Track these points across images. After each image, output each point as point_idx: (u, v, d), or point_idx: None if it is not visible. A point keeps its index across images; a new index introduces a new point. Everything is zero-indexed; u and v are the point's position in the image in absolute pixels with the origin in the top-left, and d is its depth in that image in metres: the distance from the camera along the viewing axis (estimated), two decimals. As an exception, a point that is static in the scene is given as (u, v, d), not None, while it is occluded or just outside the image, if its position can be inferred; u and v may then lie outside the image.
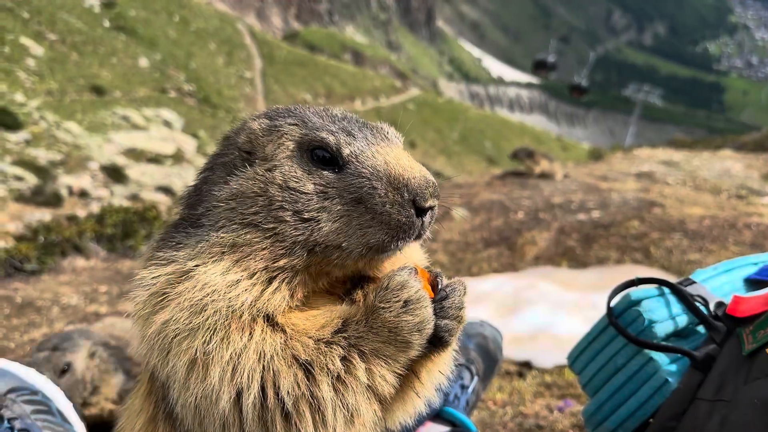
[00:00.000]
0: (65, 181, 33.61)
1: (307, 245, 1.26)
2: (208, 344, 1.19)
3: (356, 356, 1.21)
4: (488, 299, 6.62)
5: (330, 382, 1.19)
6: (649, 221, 8.11)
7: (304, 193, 1.27)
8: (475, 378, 2.44)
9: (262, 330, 1.22)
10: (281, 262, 1.26)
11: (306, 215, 1.26)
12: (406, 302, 1.21)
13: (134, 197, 31.51)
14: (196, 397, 1.20)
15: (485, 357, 2.57)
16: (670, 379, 1.61)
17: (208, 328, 1.20)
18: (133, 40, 68.54)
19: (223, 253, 1.26)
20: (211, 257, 1.26)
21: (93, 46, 61.14)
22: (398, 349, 1.22)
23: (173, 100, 60.56)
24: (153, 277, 1.29)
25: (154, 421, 1.42)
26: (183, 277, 1.25)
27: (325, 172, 1.29)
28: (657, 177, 12.15)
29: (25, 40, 53.16)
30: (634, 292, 1.75)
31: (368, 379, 1.21)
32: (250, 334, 1.21)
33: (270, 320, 1.25)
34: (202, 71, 72.17)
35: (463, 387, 2.36)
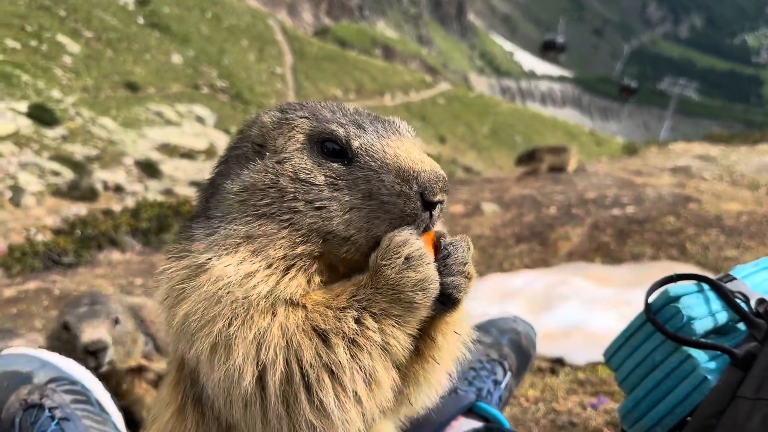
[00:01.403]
0: (100, 176, 34.23)
1: (321, 233, 1.27)
2: (229, 327, 1.21)
3: (368, 317, 1.21)
4: (520, 295, 6.57)
5: (345, 346, 1.19)
6: (685, 217, 7.97)
7: (315, 184, 1.29)
8: (508, 374, 2.43)
9: (284, 309, 1.24)
10: (299, 249, 1.28)
11: (317, 204, 1.27)
12: (407, 258, 1.20)
13: (168, 192, 32.01)
14: (220, 378, 1.22)
15: (518, 353, 2.55)
16: (709, 377, 1.58)
17: (228, 315, 1.22)
18: (166, 36, 69.45)
19: (238, 244, 1.28)
20: (225, 249, 1.28)
21: (127, 42, 62.10)
22: (404, 309, 1.22)
23: (206, 96, 61.23)
24: (171, 271, 1.32)
25: (183, 411, 1.45)
26: (199, 270, 1.28)
27: (335, 165, 1.30)
28: (693, 172, 11.94)
29: (61, 38, 54.22)
30: (673, 288, 1.71)
31: (382, 340, 1.21)
32: (273, 314, 1.23)
33: (290, 302, 1.26)
34: (234, 67, 72.83)
35: (496, 383, 2.35)
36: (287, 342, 1.20)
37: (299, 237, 1.28)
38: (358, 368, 1.19)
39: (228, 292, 1.23)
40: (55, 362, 2.33)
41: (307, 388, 1.19)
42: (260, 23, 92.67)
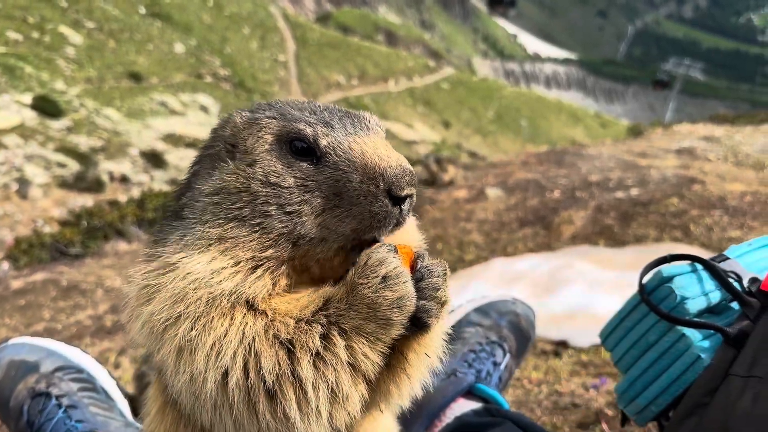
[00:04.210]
0: (106, 166, 34.23)
1: (292, 238, 1.29)
2: (191, 331, 1.23)
3: (336, 334, 1.22)
4: (524, 279, 6.60)
5: (310, 360, 1.21)
6: (689, 198, 7.96)
7: (285, 187, 1.30)
8: (507, 355, 2.46)
9: (243, 315, 1.25)
10: (267, 252, 1.29)
11: (288, 208, 1.29)
12: (385, 278, 1.21)
13: (173, 182, 31.99)
14: (185, 382, 1.24)
15: (518, 335, 2.58)
16: (702, 356, 1.60)
17: (189, 316, 1.24)
18: (168, 26, 69.25)
19: (210, 245, 1.29)
20: (198, 249, 1.29)
21: (129, 33, 61.94)
22: (379, 326, 1.22)
23: (209, 85, 61.11)
24: (142, 273, 1.34)
25: (164, 410, 1.48)
26: (168, 269, 1.29)
27: (304, 164, 1.31)
28: (697, 153, 11.89)
29: (63, 29, 54.13)
30: (666, 268, 1.73)
31: (349, 357, 1.22)
32: (231, 318, 1.24)
33: (251, 305, 1.28)
34: (237, 55, 72.63)
35: (495, 364, 2.39)
36: (245, 349, 1.21)
37: (269, 241, 1.29)
38: (323, 382, 1.21)
39: (194, 289, 1.25)
40: (62, 351, 2.37)
41: (269, 396, 1.21)
42: (262, 10, 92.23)
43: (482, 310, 2.62)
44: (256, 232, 1.29)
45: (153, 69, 57.47)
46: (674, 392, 1.66)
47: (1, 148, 32.29)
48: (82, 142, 37.28)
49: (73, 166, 32.57)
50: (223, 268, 1.26)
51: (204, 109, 52.71)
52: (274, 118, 1.36)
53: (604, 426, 2.87)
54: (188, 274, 1.26)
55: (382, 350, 1.26)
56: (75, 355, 2.38)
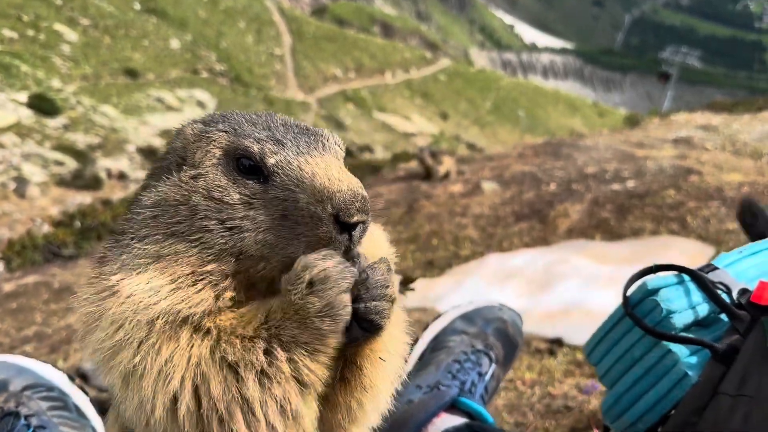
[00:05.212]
0: (104, 164, 34.25)
1: (234, 253, 1.22)
2: (135, 357, 1.17)
3: (277, 347, 1.16)
4: (519, 275, 6.53)
5: (255, 378, 1.15)
6: (686, 190, 7.88)
7: (228, 203, 1.23)
8: (493, 365, 2.38)
9: (190, 336, 1.19)
10: (209, 267, 1.22)
11: (230, 224, 1.22)
12: (311, 283, 1.14)
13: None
14: (134, 409, 1.19)
15: (505, 342, 2.50)
16: (689, 372, 1.53)
17: (133, 342, 1.18)
18: (163, 21, 69.01)
19: (148, 264, 1.22)
20: (136, 269, 1.23)
21: (125, 29, 61.73)
22: (312, 336, 1.16)
23: (205, 81, 60.98)
24: (83, 298, 1.28)
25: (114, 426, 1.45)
26: (107, 293, 1.23)
27: (250, 182, 1.24)
28: (695, 142, 11.79)
29: (59, 27, 53.96)
30: (651, 280, 1.65)
31: (293, 370, 1.16)
32: (176, 341, 1.18)
33: (195, 325, 1.21)
34: (233, 50, 72.40)
35: (481, 374, 2.30)
36: (193, 373, 1.16)
37: (210, 256, 1.22)
38: (270, 400, 1.15)
39: (134, 312, 1.18)
40: (32, 368, 2.30)
41: (220, 420, 1.15)
42: (257, 4, 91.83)
43: (468, 317, 2.54)
44: (195, 247, 1.22)
45: (149, 65, 57.34)
46: (661, 410, 1.59)
47: (-2, 148, 32.25)
48: (79, 139, 37.27)
49: (71, 164, 32.55)
50: (162, 286, 1.20)
51: (201, 104, 52.62)
52: (225, 132, 1.29)
53: (596, 433, 2.80)
54: (128, 297, 1.20)
55: (325, 362, 1.19)
56: (46, 372, 2.31)
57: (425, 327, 2.60)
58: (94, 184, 30.90)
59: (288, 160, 1.23)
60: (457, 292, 6.36)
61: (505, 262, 7.02)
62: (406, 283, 3.61)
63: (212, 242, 1.22)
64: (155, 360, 1.16)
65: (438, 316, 2.64)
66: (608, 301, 5.49)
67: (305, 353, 1.16)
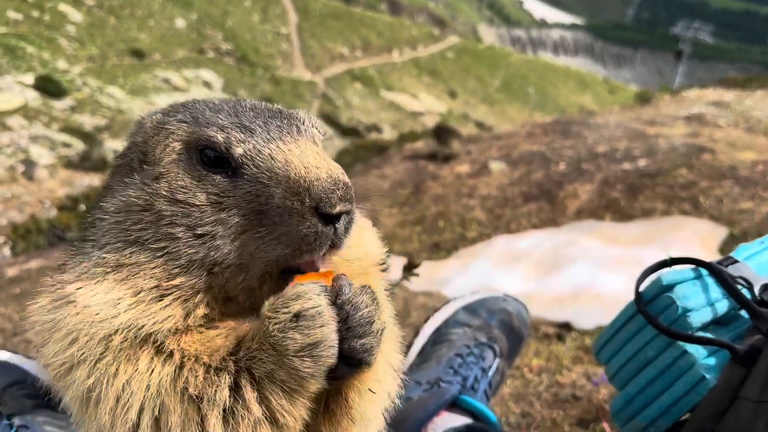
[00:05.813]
0: (111, 145, 34.21)
1: (205, 265, 1.08)
2: (88, 378, 1.05)
3: (246, 383, 1.02)
4: (527, 258, 6.41)
5: (219, 416, 1.01)
6: (698, 168, 7.70)
7: (196, 205, 1.09)
8: (498, 359, 2.26)
9: (150, 359, 1.06)
10: (177, 281, 1.09)
11: (199, 230, 1.08)
12: (297, 316, 1.00)
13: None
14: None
15: (509, 334, 2.38)
16: (707, 375, 1.40)
17: (87, 360, 1.06)
18: (169, 1, 68.53)
19: (107, 273, 1.09)
20: (94, 278, 1.09)
21: (130, 9, 61.41)
22: (290, 376, 1.01)
23: (212, 60, 60.69)
24: (38, 306, 1.15)
25: None
26: (62, 302, 1.10)
27: (217, 177, 1.09)
28: (707, 120, 11.55)
29: (63, 7, 53.71)
30: (666, 275, 1.52)
31: (264, 411, 1.02)
32: (135, 364, 1.05)
33: (157, 345, 1.07)
34: (239, 29, 71.90)
35: (484, 370, 2.19)
36: (153, 404, 1.03)
37: (177, 268, 1.08)
38: None
39: (89, 324, 1.06)
40: (17, 363, 2.22)
41: None
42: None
43: (471, 309, 2.42)
44: (160, 257, 1.09)
45: (155, 45, 57.10)
46: (676, 415, 1.48)
47: (5, 130, 32.28)
48: (86, 121, 37.27)
49: (78, 146, 32.55)
50: (121, 298, 1.07)
51: (207, 84, 52.43)
52: (184, 122, 1.14)
53: (605, 425, 2.70)
54: (84, 307, 1.07)
55: (304, 403, 1.05)
56: (32, 367, 2.23)
57: (426, 319, 2.49)
58: (101, 165, 30.87)
59: (258, 148, 1.09)
60: (463, 275, 6.25)
61: (513, 244, 6.90)
62: (410, 269, 3.49)
63: (180, 252, 1.08)
64: (111, 384, 1.04)
65: (439, 307, 2.52)
66: (618, 285, 5.38)
67: (281, 393, 1.03)
